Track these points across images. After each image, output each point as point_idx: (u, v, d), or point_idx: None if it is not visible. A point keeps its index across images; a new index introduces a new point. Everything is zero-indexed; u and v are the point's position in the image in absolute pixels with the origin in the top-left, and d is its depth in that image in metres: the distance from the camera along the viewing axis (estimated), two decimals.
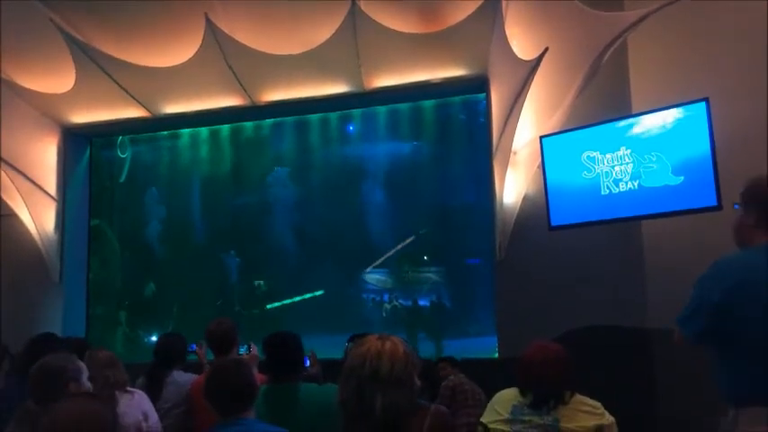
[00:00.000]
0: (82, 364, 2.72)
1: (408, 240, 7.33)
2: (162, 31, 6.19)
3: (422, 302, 7.60)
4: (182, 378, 3.70)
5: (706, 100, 4.06)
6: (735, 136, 4.24)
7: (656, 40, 5.09)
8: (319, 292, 7.77)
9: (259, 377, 3.44)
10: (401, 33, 5.58)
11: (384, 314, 7.74)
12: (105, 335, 7.54)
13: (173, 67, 6.17)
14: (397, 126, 7.33)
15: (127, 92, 6.63)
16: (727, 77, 4.56)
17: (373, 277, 7.82)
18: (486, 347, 6.08)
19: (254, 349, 3.95)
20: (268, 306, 7.92)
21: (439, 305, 7.45)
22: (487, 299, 6.26)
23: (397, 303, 7.74)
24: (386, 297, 7.80)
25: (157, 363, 3.76)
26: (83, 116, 7.20)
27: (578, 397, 2.79)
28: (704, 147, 4.01)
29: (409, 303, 7.66)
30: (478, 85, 6.07)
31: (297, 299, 7.82)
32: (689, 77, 4.82)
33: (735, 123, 4.29)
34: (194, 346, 4.18)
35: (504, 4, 5.19)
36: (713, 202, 3.96)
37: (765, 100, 4.30)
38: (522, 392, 2.87)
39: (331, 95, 6.55)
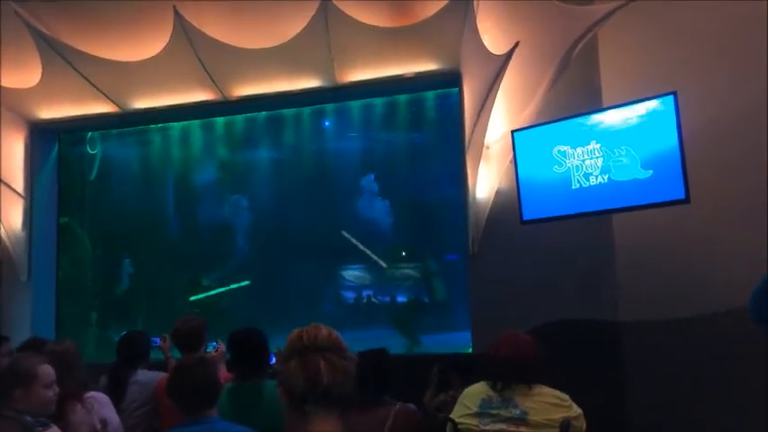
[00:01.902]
0: (40, 370, 2.65)
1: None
2: (130, 25, 6.08)
3: (399, 298, 7.58)
4: (146, 377, 3.65)
5: (674, 93, 4.07)
6: (704, 130, 4.28)
7: (627, 34, 5.12)
8: (245, 283, 7.74)
9: (226, 375, 3.41)
10: (373, 27, 5.54)
11: (362, 310, 7.71)
12: (76, 334, 7.39)
13: (141, 61, 6.07)
14: (371, 121, 7.29)
15: (95, 87, 6.51)
16: (696, 71, 4.59)
17: (351, 273, 7.79)
18: (462, 342, 6.09)
19: (222, 347, 3.90)
20: (191, 298, 7.83)
21: (416, 301, 7.43)
22: (464, 294, 6.25)
23: (374, 299, 7.72)
24: (364, 293, 7.78)
25: (120, 362, 3.70)
26: (50, 112, 7.08)
27: (546, 389, 2.80)
28: (672, 140, 4.03)
29: (387, 299, 7.64)
30: (451, 79, 6.04)
31: (222, 290, 7.77)
32: (659, 71, 4.85)
33: (704, 117, 4.33)
34: (158, 341, 4.09)
35: None
36: (681, 196, 3.98)
37: (734, 94, 4.34)
38: (492, 386, 2.87)
39: (304, 90, 6.48)
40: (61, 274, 7.58)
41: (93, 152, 8.07)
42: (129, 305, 8.01)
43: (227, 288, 7.78)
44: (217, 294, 7.82)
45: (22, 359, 2.70)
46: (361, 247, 7.39)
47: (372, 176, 7.37)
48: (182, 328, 3.59)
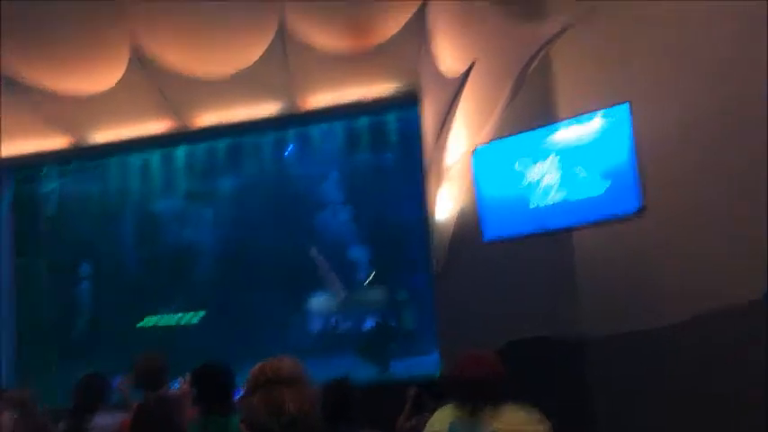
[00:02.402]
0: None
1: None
2: (85, 57, 5.99)
3: (366, 324, 7.53)
4: (105, 421, 3.50)
5: (627, 103, 4.14)
6: (659, 140, 4.34)
7: (580, 49, 5.19)
8: (201, 313, 7.63)
9: (192, 413, 3.31)
10: (331, 52, 5.56)
11: (328, 338, 7.64)
12: (36, 377, 7.16)
13: (98, 93, 5.99)
14: (333, 145, 7.28)
15: (51, 122, 6.40)
16: (650, 84, 4.66)
17: (318, 301, 7.73)
18: (431, 365, 6.04)
19: (187, 383, 3.79)
20: (138, 324, 7.68)
21: (383, 326, 7.38)
22: (430, 316, 6.22)
23: (342, 326, 7.66)
24: (332, 320, 7.71)
25: (77, 408, 3.55)
26: (5, 149, 6.89)
27: (515, 407, 2.76)
28: (626, 152, 4.09)
29: (355, 325, 7.58)
30: (410, 100, 6.08)
31: (173, 320, 7.65)
32: (613, 84, 4.92)
33: (658, 127, 4.40)
34: (117, 381, 3.94)
35: (431, 20, 5.22)
36: (636, 207, 4.03)
37: (686, 103, 4.42)
38: (460, 408, 2.83)
39: (265, 117, 6.45)
40: (20, 316, 7.33)
41: (50, 188, 7.90)
42: (91, 344, 7.79)
43: (178, 321, 7.62)
44: (177, 326, 7.66)
45: None
46: (326, 270, 7.33)
47: (336, 201, 7.35)
48: (142, 367, 3.48)
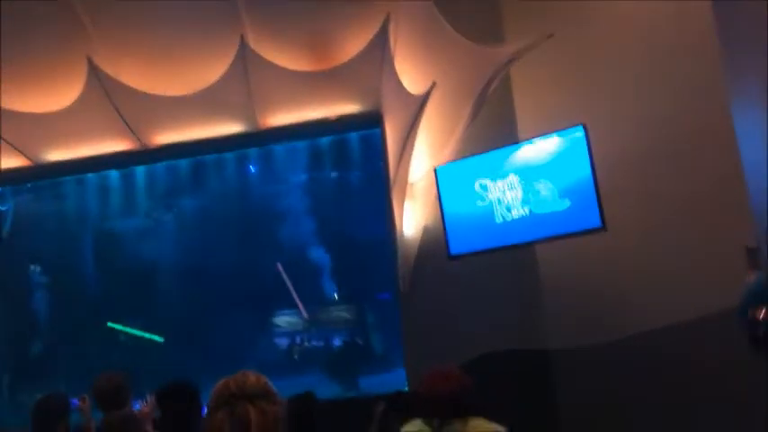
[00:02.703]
0: None
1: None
2: (43, 76, 5.90)
3: (334, 341, 7.50)
4: None
5: (583, 125, 4.28)
6: (613, 159, 4.49)
7: (538, 73, 5.36)
8: (159, 339, 7.55)
9: None
10: (293, 72, 5.58)
11: (296, 356, 7.58)
12: None
13: (55, 112, 5.88)
14: (296, 164, 7.29)
15: (5, 140, 6.24)
16: (606, 103, 4.84)
17: (283, 320, 7.66)
18: (397, 381, 6.04)
19: (151, 403, 3.72)
20: (109, 324, 7.55)
21: (351, 343, 7.37)
22: (396, 332, 6.24)
23: (308, 344, 7.61)
24: (297, 339, 7.65)
25: (35, 429, 3.45)
26: None
27: (482, 421, 2.79)
28: (585, 170, 4.22)
29: (321, 343, 7.54)
30: (373, 120, 6.12)
31: (137, 332, 7.54)
32: (570, 105, 5.09)
33: (614, 147, 4.55)
34: (76, 402, 3.83)
35: (392, 40, 5.30)
36: (597, 224, 4.15)
37: (642, 125, 4.58)
38: (428, 423, 2.85)
39: (225, 136, 6.41)
40: None
41: (5, 208, 7.68)
42: (44, 366, 7.57)
43: (144, 334, 7.50)
44: (138, 345, 7.51)
45: None
46: (291, 289, 7.29)
47: (299, 219, 7.34)
48: (103, 386, 3.39)
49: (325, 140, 7.04)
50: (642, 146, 4.52)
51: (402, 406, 4.49)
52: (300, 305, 7.32)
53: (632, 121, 4.63)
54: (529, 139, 4.72)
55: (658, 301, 4.38)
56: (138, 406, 3.67)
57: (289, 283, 7.30)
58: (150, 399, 3.62)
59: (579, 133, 4.27)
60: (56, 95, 5.87)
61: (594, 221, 4.16)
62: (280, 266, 7.33)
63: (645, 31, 4.56)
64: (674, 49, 4.31)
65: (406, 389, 5.73)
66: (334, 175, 7.26)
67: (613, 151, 4.52)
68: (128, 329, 7.57)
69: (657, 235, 4.42)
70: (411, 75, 5.38)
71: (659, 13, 4.41)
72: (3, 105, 5.77)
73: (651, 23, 4.48)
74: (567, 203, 4.33)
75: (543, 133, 4.56)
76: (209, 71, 5.62)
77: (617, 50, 4.83)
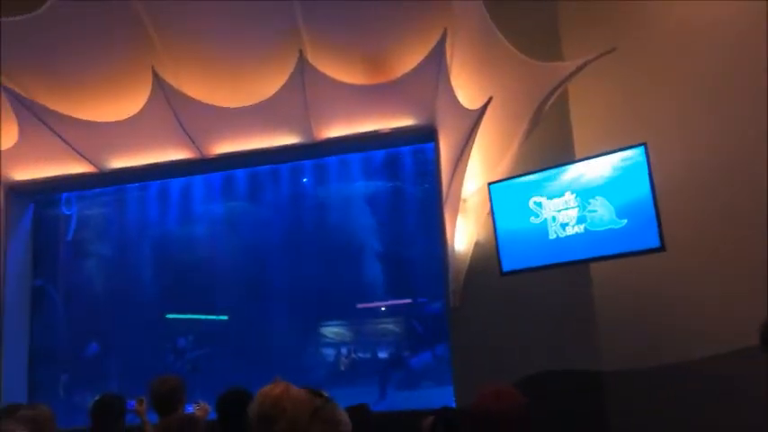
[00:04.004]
0: None
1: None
2: (108, 86, 6.14)
3: (380, 354, 7.51)
4: None
5: (644, 145, 4.19)
6: (673, 179, 4.39)
7: (597, 88, 5.29)
8: (224, 317, 7.64)
9: None
10: (349, 85, 5.65)
11: (342, 368, 7.62)
12: (48, 399, 7.16)
13: (119, 121, 6.09)
14: (348, 177, 7.35)
15: (72, 147, 6.50)
16: (666, 121, 4.74)
17: (331, 330, 7.72)
18: (445, 397, 6.00)
19: (205, 406, 3.81)
20: (168, 315, 7.71)
21: (397, 356, 7.36)
22: (446, 347, 6.21)
23: (355, 356, 7.63)
24: (344, 350, 7.69)
25: (94, 428, 3.56)
26: (26, 173, 7.01)
27: None
28: (645, 190, 4.13)
29: (368, 356, 7.56)
30: (427, 134, 6.14)
31: (199, 317, 7.65)
32: (628, 123, 5.00)
33: (673, 167, 4.44)
34: (133, 404, 3.95)
35: (448, 55, 5.31)
36: (656, 244, 4.05)
37: (699, 143, 4.47)
38: None
39: (281, 147, 6.52)
40: (34, 338, 7.38)
41: (69, 213, 7.99)
42: (103, 369, 7.80)
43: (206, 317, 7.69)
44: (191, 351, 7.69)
45: (1, 426, 2.61)
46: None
47: (350, 231, 7.39)
48: (159, 389, 3.48)
49: (378, 154, 7.08)
50: (705, 164, 4.40)
51: (449, 422, 4.46)
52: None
53: (695, 139, 4.52)
54: (586, 156, 4.64)
55: (716, 326, 4.24)
56: (191, 409, 3.76)
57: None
58: (203, 403, 3.71)
59: (639, 152, 4.18)
60: (121, 105, 6.09)
61: (653, 241, 4.06)
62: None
63: (707, 48, 4.46)
64: (739, 64, 4.20)
65: (454, 405, 5.69)
66: (387, 188, 7.28)
67: (674, 169, 4.42)
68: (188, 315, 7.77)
69: (718, 258, 4.29)
70: (467, 90, 5.37)
71: (723, 27, 4.30)
72: (71, 113, 6.02)
73: (715, 37, 4.37)
74: (624, 222, 4.24)
75: (600, 150, 4.48)
76: (267, 84, 5.74)
77: (678, 65, 4.73)
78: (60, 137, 6.32)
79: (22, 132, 6.20)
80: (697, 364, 4.34)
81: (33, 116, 6.00)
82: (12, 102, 5.88)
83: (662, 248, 4.04)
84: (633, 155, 4.23)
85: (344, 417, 1.60)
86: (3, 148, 6.38)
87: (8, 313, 6.91)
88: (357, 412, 3.12)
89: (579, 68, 4.59)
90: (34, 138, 6.26)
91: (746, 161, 4.07)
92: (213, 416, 3.35)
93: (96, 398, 3.78)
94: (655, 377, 4.68)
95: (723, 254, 4.21)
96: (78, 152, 6.59)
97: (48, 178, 7.05)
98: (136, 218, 7.95)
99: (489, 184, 5.06)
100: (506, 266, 4.89)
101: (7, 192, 7.10)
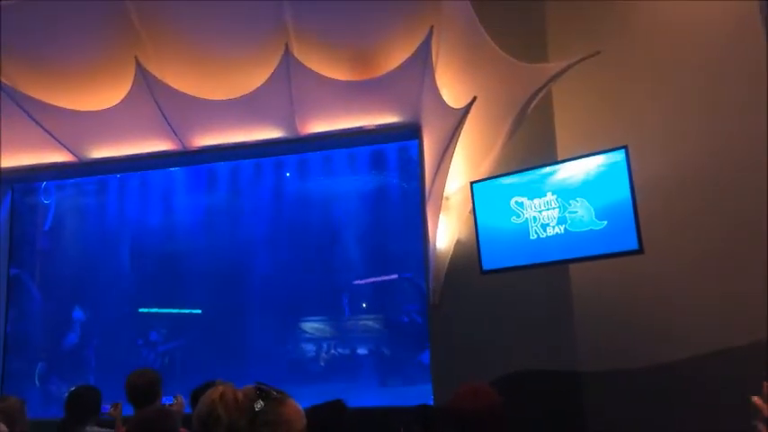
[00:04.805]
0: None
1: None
2: (91, 75, 6.07)
3: (360, 351, 7.51)
4: None
5: (625, 148, 4.23)
6: (654, 182, 4.43)
7: (580, 90, 5.33)
8: (197, 311, 7.65)
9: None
10: (334, 81, 5.64)
11: (322, 363, 7.61)
12: (21, 389, 7.09)
13: (101, 110, 6.03)
14: (331, 173, 7.34)
15: (52, 136, 6.42)
16: (647, 124, 4.78)
17: (311, 326, 7.70)
18: (423, 394, 6.02)
19: (181, 399, 3.80)
20: (141, 309, 7.70)
21: (377, 353, 7.37)
22: (424, 345, 6.23)
23: (335, 352, 7.63)
24: (324, 346, 7.68)
25: (68, 419, 3.54)
26: (4, 161, 6.89)
27: None
28: (625, 192, 4.16)
29: (347, 352, 7.56)
30: (411, 131, 6.16)
31: (174, 311, 7.69)
32: (611, 125, 5.04)
33: (654, 170, 4.49)
34: (107, 408, 3.94)
35: (434, 53, 5.32)
36: (634, 246, 4.10)
37: (681, 147, 4.52)
38: None
39: (264, 141, 6.50)
40: (9, 327, 7.29)
41: (47, 202, 7.90)
42: (79, 359, 7.73)
43: (179, 311, 7.66)
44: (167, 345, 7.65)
45: None
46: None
47: (330, 227, 7.38)
48: (136, 382, 3.48)
49: (362, 150, 7.08)
50: (685, 168, 4.44)
51: (426, 419, 4.49)
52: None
53: (676, 142, 4.56)
54: (568, 157, 4.67)
55: (694, 328, 4.30)
56: (170, 401, 3.76)
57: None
58: (179, 398, 3.70)
59: (620, 155, 4.22)
60: (103, 94, 6.03)
61: (632, 243, 4.10)
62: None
63: (692, 51, 4.50)
64: (723, 69, 4.24)
65: (432, 402, 5.71)
66: (368, 184, 7.28)
67: (654, 173, 4.46)
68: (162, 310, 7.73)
69: (696, 260, 4.35)
70: (452, 88, 5.39)
71: (708, 32, 4.34)
72: (52, 102, 5.95)
73: (701, 39, 4.41)
74: (604, 224, 4.28)
75: (583, 152, 4.51)
76: (252, 78, 5.71)
77: (663, 69, 4.77)
78: (40, 125, 6.25)
79: (1, 119, 6.10)
80: (675, 366, 4.39)
81: (13, 103, 5.93)
82: None
83: (640, 251, 4.08)
84: (614, 157, 4.27)
85: (295, 413, 1.51)
86: None
87: None
88: (332, 408, 3.12)
89: (563, 71, 4.62)
90: (13, 125, 6.17)
91: (730, 163, 4.12)
92: (188, 409, 3.35)
93: (71, 389, 3.75)
94: (632, 378, 4.73)
95: (703, 256, 4.27)
96: (58, 141, 6.52)
97: (26, 166, 6.98)
98: (115, 209, 7.87)
99: (472, 182, 5.07)
100: (487, 265, 4.91)
101: None
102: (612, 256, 4.25)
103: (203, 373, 5.43)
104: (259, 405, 1.43)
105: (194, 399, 3.16)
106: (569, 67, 4.56)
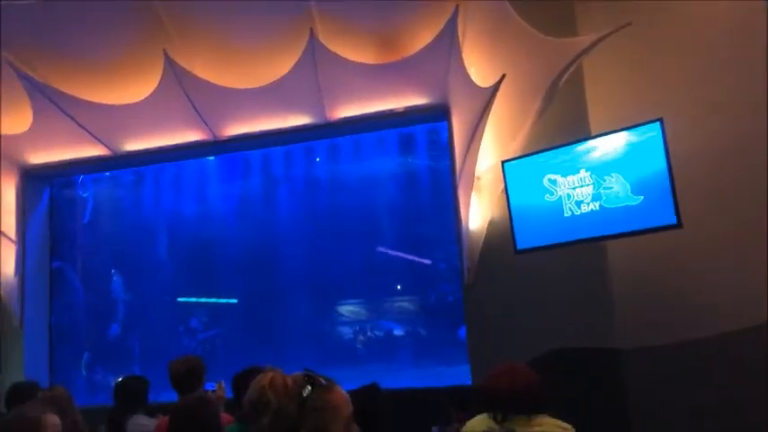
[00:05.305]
0: (48, 420, 2.60)
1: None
2: (120, 69, 6.14)
3: (396, 332, 7.55)
4: (144, 421, 3.59)
5: (660, 120, 4.14)
6: (690, 154, 4.33)
7: (611, 63, 5.22)
8: (234, 300, 7.77)
9: (226, 417, 3.36)
10: (361, 64, 5.62)
11: (359, 345, 7.67)
12: (69, 379, 7.30)
13: (132, 104, 6.12)
14: (361, 156, 7.33)
15: (86, 130, 6.54)
16: (680, 96, 4.66)
17: (347, 309, 7.76)
18: (461, 375, 6.03)
19: (223, 386, 3.87)
20: (180, 299, 7.87)
21: (414, 334, 7.40)
22: (461, 326, 6.23)
23: (371, 334, 7.68)
24: (360, 328, 7.74)
25: (118, 407, 3.64)
26: (41, 156, 7.09)
27: (548, 419, 2.77)
28: (661, 166, 4.08)
29: (383, 333, 7.61)
30: (440, 112, 6.11)
31: (212, 300, 7.83)
32: (644, 98, 4.93)
33: (690, 141, 4.39)
34: (212, 386, 3.97)
35: (460, 32, 5.26)
36: (672, 220, 4.02)
37: (717, 116, 4.40)
38: (492, 418, 2.84)
39: (294, 128, 6.52)
40: (53, 319, 7.50)
41: (85, 195, 8.06)
42: (121, 348, 7.93)
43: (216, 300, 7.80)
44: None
45: (28, 409, 2.64)
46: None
47: (364, 211, 7.39)
48: (179, 369, 3.55)
49: (391, 133, 7.05)
50: (721, 139, 4.33)
51: (463, 400, 4.50)
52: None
53: (710, 114, 4.45)
54: (601, 132, 4.59)
55: (733, 302, 4.21)
56: (211, 387, 3.82)
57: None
58: (221, 384, 3.76)
59: (655, 128, 4.13)
60: (133, 87, 6.10)
61: (669, 218, 4.02)
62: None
63: (725, 18, 4.37)
64: (754, 37, 4.10)
65: (470, 382, 5.72)
66: (400, 166, 7.26)
67: (690, 145, 4.36)
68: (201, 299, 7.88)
69: (734, 234, 4.25)
70: (479, 67, 5.33)
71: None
72: (84, 97, 6.05)
73: (732, 10, 4.28)
74: (640, 199, 4.20)
75: (616, 127, 4.43)
76: (279, 64, 5.73)
77: (693, 40, 4.65)
78: (74, 120, 6.36)
79: (36, 116, 6.24)
80: (715, 340, 4.32)
81: (47, 100, 6.05)
82: (26, 86, 5.92)
83: (679, 225, 4.01)
84: (649, 131, 4.18)
85: (341, 399, 1.53)
86: (18, 133, 6.43)
87: (28, 294, 7.04)
88: (367, 392, 3.14)
89: (593, 44, 4.51)
90: (48, 121, 6.31)
91: (763, 134, 4.00)
92: (230, 394, 3.41)
93: (119, 379, 3.85)
94: (672, 354, 4.67)
95: (740, 230, 4.17)
96: (92, 135, 6.64)
97: (63, 162, 7.13)
98: (151, 200, 8.00)
99: (503, 161, 5.03)
100: (521, 244, 4.87)
101: (24, 175, 7.18)
102: (650, 231, 4.18)
103: (243, 359, 5.52)
104: (307, 391, 1.45)
105: (235, 385, 3.22)
106: (600, 40, 4.45)
